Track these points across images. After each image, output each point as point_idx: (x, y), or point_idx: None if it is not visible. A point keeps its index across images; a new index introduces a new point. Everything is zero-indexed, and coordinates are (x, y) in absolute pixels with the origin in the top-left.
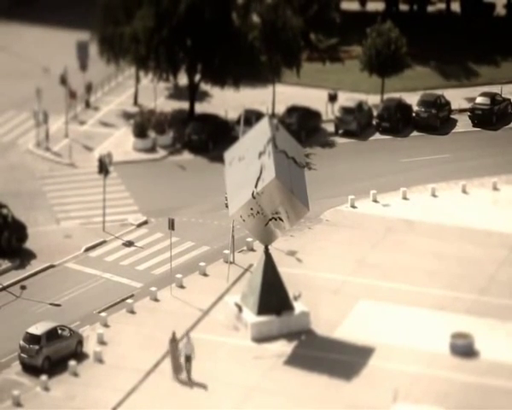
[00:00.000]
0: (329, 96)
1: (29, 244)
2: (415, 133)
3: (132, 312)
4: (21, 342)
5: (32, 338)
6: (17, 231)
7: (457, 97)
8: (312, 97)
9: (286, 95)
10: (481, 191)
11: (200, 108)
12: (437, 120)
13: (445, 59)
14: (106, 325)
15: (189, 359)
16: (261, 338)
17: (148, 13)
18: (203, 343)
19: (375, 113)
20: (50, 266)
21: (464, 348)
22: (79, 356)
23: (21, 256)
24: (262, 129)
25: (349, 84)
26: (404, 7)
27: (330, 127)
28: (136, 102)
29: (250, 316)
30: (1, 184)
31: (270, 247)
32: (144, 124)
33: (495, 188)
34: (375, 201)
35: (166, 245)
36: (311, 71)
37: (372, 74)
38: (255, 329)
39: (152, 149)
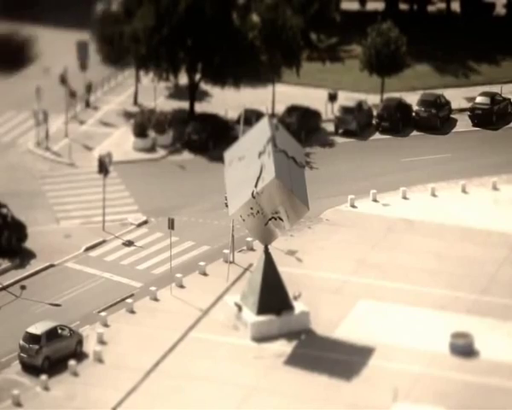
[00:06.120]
0: (329, 95)
1: (29, 244)
2: (415, 133)
3: (132, 311)
4: (21, 342)
5: (31, 338)
6: (17, 230)
7: (457, 97)
8: (312, 97)
9: (286, 94)
10: (481, 191)
11: (200, 107)
12: (437, 119)
13: (445, 58)
14: (106, 325)
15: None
16: (261, 338)
17: (148, 12)
18: (203, 343)
19: (374, 112)
20: (50, 265)
21: (464, 348)
22: (79, 356)
23: (21, 256)
24: (262, 129)
25: (349, 83)
26: (403, 6)
27: (330, 127)
28: (136, 102)
29: (250, 316)
30: (1, 184)
31: (269, 246)
32: (144, 123)
33: (495, 188)
34: (375, 200)
35: (166, 245)
36: (310, 70)
37: (372, 74)
38: (255, 328)
39: (152, 149)
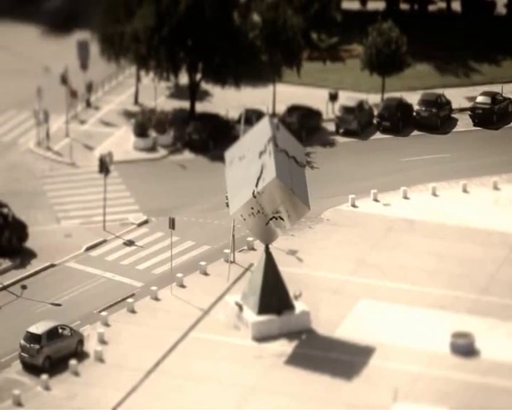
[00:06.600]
0: (330, 95)
1: (29, 244)
2: (415, 132)
3: (133, 311)
4: (22, 342)
5: (32, 337)
6: (18, 230)
7: (458, 96)
8: (313, 97)
9: (286, 94)
10: (482, 191)
11: (200, 107)
12: (437, 119)
13: (446, 58)
14: (106, 325)
15: None
16: (262, 338)
17: (148, 12)
18: (203, 343)
19: (375, 112)
20: (51, 265)
21: (465, 348)
22: (80, 355)
23: (22, 255)
24: (263, 128)
25: (350, 83)
26: (404, 6)
27: (331, 126)
28: (136, 102)
29: (251, 315)
30: (1, 184)
31: (270, 246)
32: (145, 123)
33: (495, 187)
34: (376, 200)
35: (167, 244)
36: (311, 70)
37: (373, 73)
38: (256, 328)
39: (152, 149)
